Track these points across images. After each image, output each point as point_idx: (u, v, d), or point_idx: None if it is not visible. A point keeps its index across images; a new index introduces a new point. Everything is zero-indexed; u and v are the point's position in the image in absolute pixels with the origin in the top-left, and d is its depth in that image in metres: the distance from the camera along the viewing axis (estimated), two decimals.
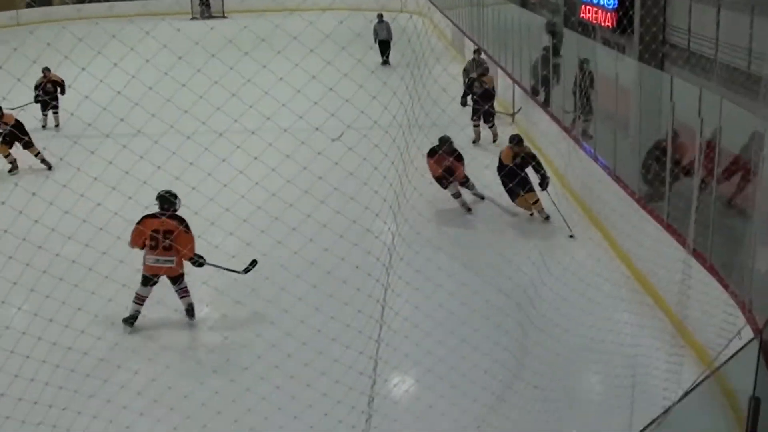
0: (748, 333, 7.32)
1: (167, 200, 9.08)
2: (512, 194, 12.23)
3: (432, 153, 12.29)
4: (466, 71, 17.72)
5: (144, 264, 8.98)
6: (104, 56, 6.63)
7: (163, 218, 8.91)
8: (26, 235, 6.15)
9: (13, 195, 5.83)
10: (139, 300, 9.10)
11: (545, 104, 15.88)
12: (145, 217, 8.96)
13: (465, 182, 12.95)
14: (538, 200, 12.15)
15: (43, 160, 14.69)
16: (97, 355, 7.08)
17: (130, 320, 9.08)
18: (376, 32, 24.24)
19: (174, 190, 8.00)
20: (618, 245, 10.95)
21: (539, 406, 7.58)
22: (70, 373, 6.64)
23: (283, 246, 7.42)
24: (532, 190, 12.05)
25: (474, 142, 16.23)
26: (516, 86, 17.76)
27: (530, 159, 12.14)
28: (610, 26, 16.96)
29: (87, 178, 6.51)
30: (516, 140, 12.17)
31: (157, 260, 8.97)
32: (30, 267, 6.08)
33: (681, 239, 9.00)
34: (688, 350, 8.45)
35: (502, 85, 19.14)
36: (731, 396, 7.39)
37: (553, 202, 11.73)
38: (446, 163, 12.06)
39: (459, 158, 12.65)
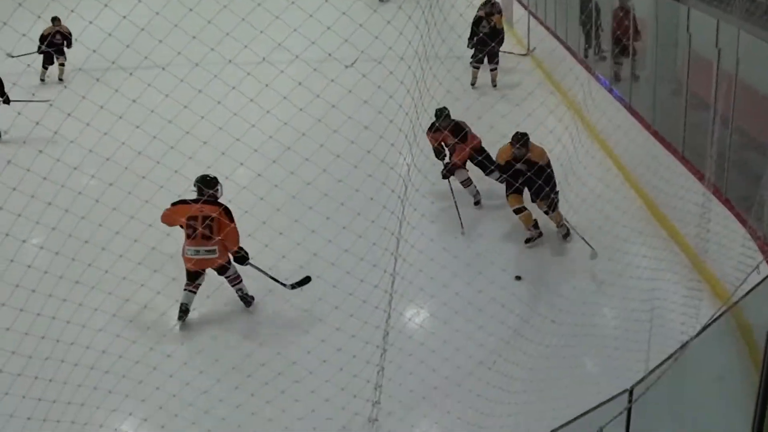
0: (766, 268, 7.02)
1: (208, 184, 7.96)
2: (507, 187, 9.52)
3: (431, 128, 10.14)
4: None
5: (184, 256, 7.96)
6: None
7: (201, 204, 7.80)
8: (30, 165, 5.79)
9: (15, 126, 5.45)
10: (190, 287, 8.03)
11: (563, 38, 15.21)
12: (180, 202, 7.94)
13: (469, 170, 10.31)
14: (548, 211, 9.26)
15: None
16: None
17: (181, 314, 7.95)
18: None
19: (182, 121, 7.46)
20: (633, 177, 10.59)
21: (556, 340, 7.32)
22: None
23: (295, 177, 7.05)
24: (541, 198, 9.17)
25: (472, 84, 15.17)
26: (529, 21, 17.08)
27: (538, 171, 9.00)
28: None
29: (92, 107, 6.13)
30: (518, 139, 9.18)
31: (198, 251, 7.82)
32: (35, 199, 5.73)
33: (699, 174, 8.65)
34: (704, 285, 8.17)
35: (516, 16, 18.51)
36: (746, 330, 7.15)
37: (566, 223, 9.32)
38: (447, 140, 10.15)
39: (461, 135, 10.10)
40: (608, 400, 4.71)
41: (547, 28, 16.02)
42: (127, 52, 6.27)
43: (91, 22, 5.95)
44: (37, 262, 6.01)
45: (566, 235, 9.30)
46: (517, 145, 9.14)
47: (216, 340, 7.23)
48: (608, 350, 7.01)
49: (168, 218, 7.92)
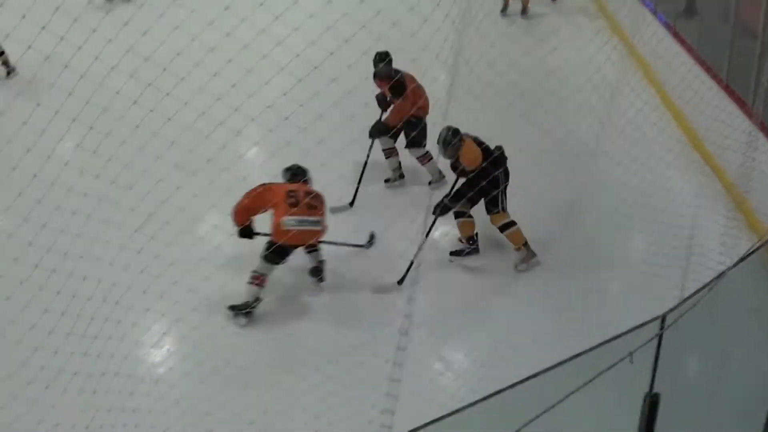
0: None
1: (303, 172, 7.20)
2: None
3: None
4: None
5: (277, 230, 6.81)
6: None
7: (299, 184, 7.02)
8: (68, 61, 5.57)
9: (71, 31, 5.21)
10: (260, 281, 6.91)
11: None
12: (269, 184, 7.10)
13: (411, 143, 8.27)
14: (505, 224, 7.39)
15: (5, 63, 10.88)
16: None
17: (247, 309, 6.88)
18: None
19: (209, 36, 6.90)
20: (672, 101, 10.18)
21: (588, 263, 7.14)
22: None
23: (320, 97, 6.71)
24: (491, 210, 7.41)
25: (502, 11, 13.42)
26: None
27: (460, 173, 7.36)
28: None
29: (150, 18, 5.87)
30: (442, 139, 7.30)
31: (303, 221, 6.80)
32: (72, 97, 5.53)
33: (743, 105, 8.29)
34: (741, 216, 7.91)
35: None
36: None
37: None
38: (386, 93, 8.26)
39: (398, 91, 8.06)
40: (639, 326, 4.54)
41: None
42: None
43: None
44: (74, 160, 5.87)
45: (522, 261, 7.39)
46: (439, 146, 7.36)
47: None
48: (643, 276, 6.83)
49: (258, 199, 6.90)
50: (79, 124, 5.59)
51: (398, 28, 6.73)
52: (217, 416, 5.87)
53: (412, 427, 3.45)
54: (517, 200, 7.41)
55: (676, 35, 10.54)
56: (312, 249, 7.17)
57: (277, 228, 6.77)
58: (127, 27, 5.38)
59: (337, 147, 6.67)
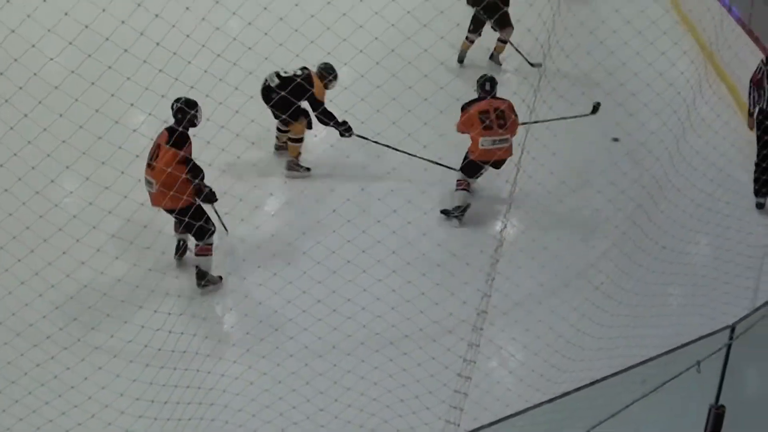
0: None
1: (495, 83, 7.87)
2: None
3: None
4: None
5: (477, 150, 7.57)
6: None
7: (490, 99, 7.71)
8: None
9: None
10: (465, 185, 7.71)
11: None
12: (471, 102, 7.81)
13: None
14: None
15: None
16: None
17: (461, 213, 7.60)
18: None
19: None
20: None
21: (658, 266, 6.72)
22: None
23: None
24: None
25: (459, 62, 10.65)
26: None
27: None
28: None
29: None
30: None
31: (494, 142, 7.55)
32: None
33: None
34: None
35: None
36: None
37: None
38: None
39: None
40: (708, 335, 4.33)
41: None
42: None
43: None
44: None
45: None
46: None
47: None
48: (712, 283, 6.43)
49: (468, 119, 7.64)
50: None
51: None
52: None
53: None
54: (583, 193, 7.01)
55: (751, 34, 9.86)
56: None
57: (474, 149, 7.56)
58: None
59: None
